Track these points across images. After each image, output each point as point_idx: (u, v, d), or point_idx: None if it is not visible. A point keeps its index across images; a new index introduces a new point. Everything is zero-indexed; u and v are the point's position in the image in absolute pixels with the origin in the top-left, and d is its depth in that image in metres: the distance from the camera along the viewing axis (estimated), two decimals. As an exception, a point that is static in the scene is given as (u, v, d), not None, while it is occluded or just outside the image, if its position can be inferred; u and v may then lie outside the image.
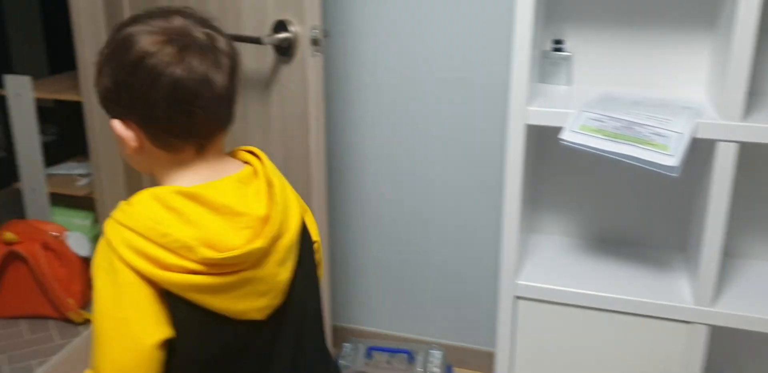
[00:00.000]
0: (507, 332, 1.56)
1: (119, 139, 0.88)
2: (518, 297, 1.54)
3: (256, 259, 0.85)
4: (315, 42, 1.40)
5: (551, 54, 1.57)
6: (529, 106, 1.42)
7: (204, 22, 0.87)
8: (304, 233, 0.95)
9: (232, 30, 1.52)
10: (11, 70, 3.02)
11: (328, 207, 1.78)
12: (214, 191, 0.85)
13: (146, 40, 0.83)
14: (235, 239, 0.83)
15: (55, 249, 2.10)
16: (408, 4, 1.69)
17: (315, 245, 1.00)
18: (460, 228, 1.85)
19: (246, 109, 1.56)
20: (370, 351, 1.87)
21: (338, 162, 1.88)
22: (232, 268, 0.83)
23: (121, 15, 1.81)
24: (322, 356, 1.03)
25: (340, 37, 1.77)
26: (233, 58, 0.88)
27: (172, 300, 0.83)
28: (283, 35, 1.41)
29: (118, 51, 0.85)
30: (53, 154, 2.43)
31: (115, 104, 0.87)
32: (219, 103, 0.87)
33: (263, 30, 1.45)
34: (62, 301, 2.09)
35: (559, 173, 1.69)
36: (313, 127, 1.46)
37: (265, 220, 0.87)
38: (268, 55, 1.47)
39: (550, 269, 1.59)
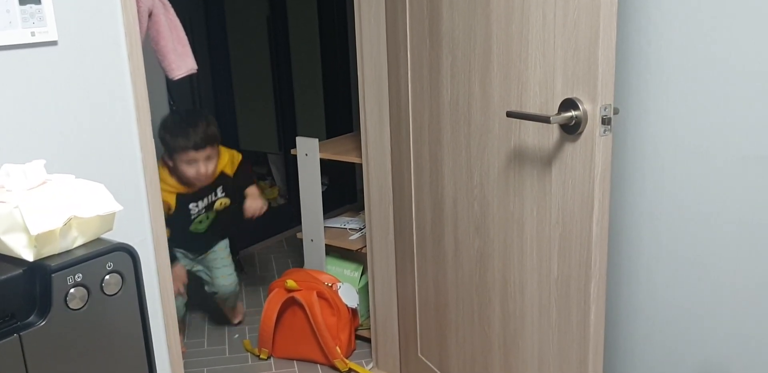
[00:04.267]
0: None
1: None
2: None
3: None
4: (605, 121, 1.34)
5: None
6: None
7: None
8: None
9: (514, 105, 1.52)
10: (296, 133, 3.41)
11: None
12: None
13: None
14: None
15: (328, 299, 2.25)
16: (705, 78, 1.55)
17: None
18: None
19: (523, 183, 1.54)
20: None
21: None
22: None
23: (402, 88, 1.91)
24: None
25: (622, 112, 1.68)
26: None
27: None
28: (571, 113, 1.37)
29: None
30: (324, 203, 2.63)
31: None
32: None
33: (548, 106, 1.43)
34: (331, 349, 2.23)
35: None
36: (597, 208, 1.39)
37: None
38: (551, 131, 1.44)
39: None
